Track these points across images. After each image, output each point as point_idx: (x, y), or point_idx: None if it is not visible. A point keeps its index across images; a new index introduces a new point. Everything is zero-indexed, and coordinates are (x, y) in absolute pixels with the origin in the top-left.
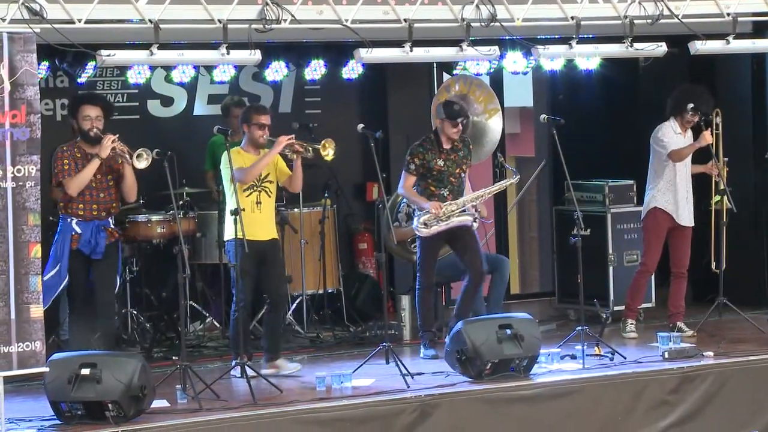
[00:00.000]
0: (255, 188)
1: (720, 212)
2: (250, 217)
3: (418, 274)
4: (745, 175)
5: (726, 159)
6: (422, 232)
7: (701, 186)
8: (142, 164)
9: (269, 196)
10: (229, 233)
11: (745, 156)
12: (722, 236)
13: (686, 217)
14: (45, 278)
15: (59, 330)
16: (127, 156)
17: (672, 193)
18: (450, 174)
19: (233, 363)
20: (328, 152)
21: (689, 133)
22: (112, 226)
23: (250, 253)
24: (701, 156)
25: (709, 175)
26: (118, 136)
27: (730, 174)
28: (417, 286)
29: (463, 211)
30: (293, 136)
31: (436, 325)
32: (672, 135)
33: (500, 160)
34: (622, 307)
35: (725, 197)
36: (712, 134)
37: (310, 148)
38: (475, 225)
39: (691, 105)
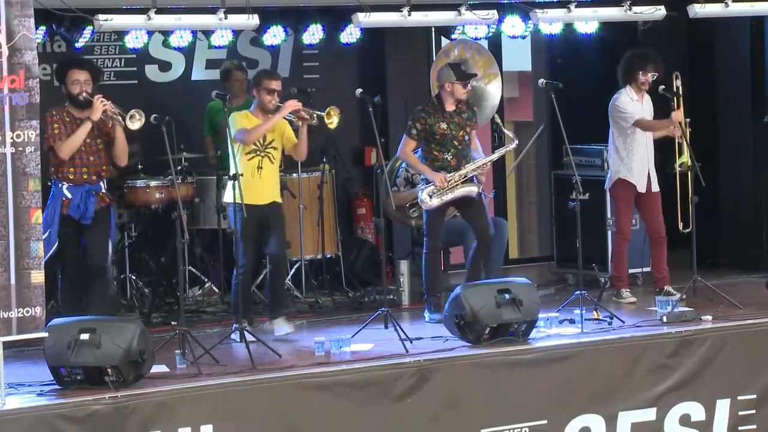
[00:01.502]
0: (258, 153)
1: (685, 177)
2: (249, 182)
3: (425, 238)
4: (745, 138)
5: (688, 120)
6: (426, 204)
7: (667, 147)
8: (135, 125)
9: (272, 162)
10: (228, 197)
11: (745, 119)
12: (690, 202)
13: (653, 185)
14: None
15: (58, 295)
16: (119, 118)
17: (635, 163)
18: (453, 137)
19: (234, 327)
20: (333, 120)
21: (646, 98)
22: (104, 191)
23: (250, 218)
24: (662, 115)
25: (672, 137)
26: (106, 96)
27: (730, 136)
28: (424, 250)
29: (468, 180)
30: (301, 102)
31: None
32: (630, 103)
33: (497, 122)
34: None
35: (691, 159)
36: (676, 102)
37: (315, 115)
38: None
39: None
